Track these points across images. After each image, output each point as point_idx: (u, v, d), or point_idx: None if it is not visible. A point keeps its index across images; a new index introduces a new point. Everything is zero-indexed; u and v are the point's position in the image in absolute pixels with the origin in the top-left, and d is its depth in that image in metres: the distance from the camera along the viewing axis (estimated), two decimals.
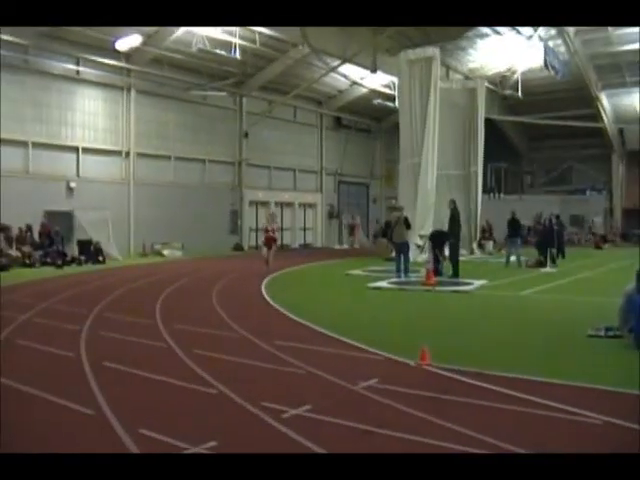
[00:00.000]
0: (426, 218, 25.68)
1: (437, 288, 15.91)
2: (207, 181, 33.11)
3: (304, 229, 40.12)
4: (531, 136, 49.24)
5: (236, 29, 27.17)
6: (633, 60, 35.24)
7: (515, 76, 37.70)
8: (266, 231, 22.85)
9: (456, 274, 18.44)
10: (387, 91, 36.70)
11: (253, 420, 5.57)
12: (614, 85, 40.30)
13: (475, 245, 29.85)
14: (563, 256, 25.98)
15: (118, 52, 27.74)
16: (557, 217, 30.23)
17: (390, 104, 36.28)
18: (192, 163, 32.46)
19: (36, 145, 25.91)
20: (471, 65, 36.73)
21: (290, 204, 38.71)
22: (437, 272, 18.40)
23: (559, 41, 34.85)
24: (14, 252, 22.65)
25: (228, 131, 34.27)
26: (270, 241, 22.10)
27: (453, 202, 20.67)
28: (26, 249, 23.27)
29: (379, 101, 37.71)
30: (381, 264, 23.45)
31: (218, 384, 6.67)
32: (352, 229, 36.48)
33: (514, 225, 23.54)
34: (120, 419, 5.51)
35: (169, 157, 31.27)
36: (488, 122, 32.64)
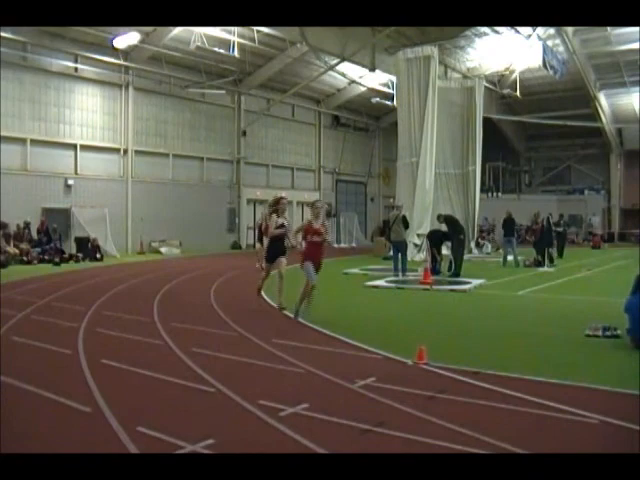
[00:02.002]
0: (424, 217, 25.70)
1: (435, 287, 15.91)
2: (205, 179, 33.12)
3: None
4: (529, 135, 49.33)
5: (234, 27, 27.14)
6: (632, 60, 35.31)
7: (513, 75, 37.76)
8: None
9: (458, 273, 18.43)
10: (385, 90, 36.70)
11: (250, 418, 5.56)
12: (613, 85, 40.37)
13: (473, 244, 29.87)
14: (561, 256, 26.06)
15: (116, 50, 27.72)
16: (560, 216, 30.41)
17: (388, 103, 36.32)
18: (190, 161, 32.47)
19: (34, 142, 25.92)
20: (469, 64, 36.77)
21: (288, 203, 38.62)
22: (435, 271, 18.43)
23: (558, 40, 34.92)
24: (12, 249, 22.61)
25: (226, 129, 34.27)
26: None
27: (440, 216, 20.70)
28: (24, 246, 23.25)
29: (377, 100, 37.73)
30: (379, 263, 23.46)
31: (216, 382, 6.66)
32: (262, 233, 19.84)
33: (510, 225, 23.57)
34: (117, 417, 5.51)
35: (167, 155, 31.28)
36: (486, 121, 32.69)
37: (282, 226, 11.93)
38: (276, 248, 12.00)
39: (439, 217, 20.59)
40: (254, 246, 25.51)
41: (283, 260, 11.89)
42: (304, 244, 10.89)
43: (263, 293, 12.86)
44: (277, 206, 12.15)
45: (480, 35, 32.97)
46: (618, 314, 9.13)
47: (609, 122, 43.12)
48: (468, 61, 36.58)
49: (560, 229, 28.43)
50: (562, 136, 45.92)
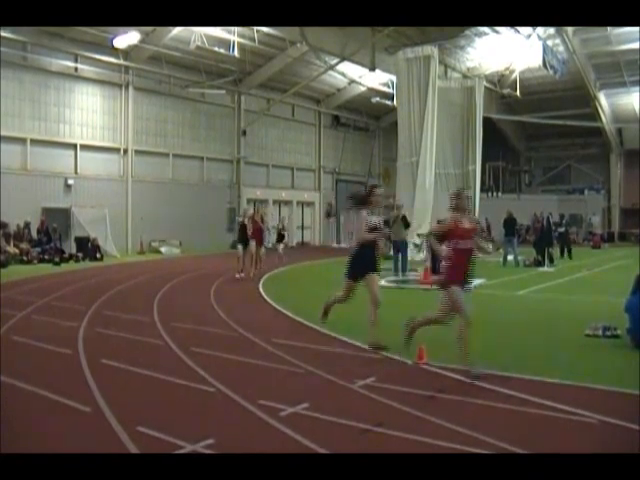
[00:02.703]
0: (424, 217, 25.68)
1: (435, 287, 15.88)
2: (205, 179, 33.11)
3: (302, 227, 40.11)
4: (529, 135, 49.29)
5: (234, 27, 27.13)
6: (632, 59, 35.29)
7: (513, 75, 37.74)
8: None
9: None
10: (385, 89, 36.69)
11: (250, 418, 5.56)
12: (613, 84, 40.34)
13: None
14: (570, 256, 26.27)
15: (116, 49, 27.70)
16: (562, 216, 30.42)
17: (388, 102, 36.29)
18: (190, 160, 32.46)
19: (34, 142, 25.91)
20: (469, 64, 36.74)
21: (288, 202, 38.72)
22: (435, 271, 18.40)
23: (558, 40, 34.87)
24: (12, 249, 22.61)
25: (226, 129, 34.27)
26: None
27: (440, 222, 20.65)
28: (24, 246, 23.25)
29: (377, 99, 37.70)
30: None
31: (216, 382, 6.66)
32: (245, 230, 18.52)
33: (510, 224, 23.57)
34: (118, 416, 5.51)
35: (167, 154, 31.26)
36: (486, 121, 32.65)
37: (376, 229, 8.51)
38: (366, 260, 8.47)
39: (439, 223, 20.60)
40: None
41: (376, 278, 8.64)
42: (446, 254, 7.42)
43: (262, 291, 12.78)
44: (370, 198, 8.55)
45: (480, 35, 32.94)
46: (618, 314, 9.13)
47: (609, 122, 43.09)
48: (468, 61, 36.55)
49: (562, 229, 28.41)
50: (562, 136, 45.90)
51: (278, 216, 35.48)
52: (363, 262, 8.42)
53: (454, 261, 7.26)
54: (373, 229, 8.43)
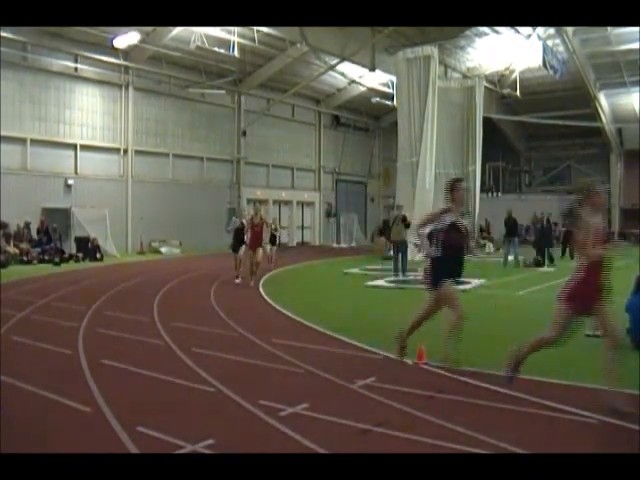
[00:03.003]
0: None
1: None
2: (205, 179, 33.10)
3: (302, 227, 40.12)
4: (529, 135, 49.26)
5: (234, 27, 27.14)
6: (632, 59, 35.26)
7: (513, 75, 37.73)
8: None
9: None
10: (385, 89, 36.69)
11: (250, 418, 5.56)
12: (613, 84, 40.30)
13: (473, 244, 29.83)
14: (572, 256, 26.17)
15: (116, 49, 27.71)
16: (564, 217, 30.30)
17: (388, 103, 36.29)
18: (190, 161, 32.46)
19: (34, 142, 25.92)
20: (469, 64, 36.72)
21: (288, 202, 38.71)
22: None
23: (558, 40, 34.85)
24: (12, 249, 22.61)
25: (226, 129, 34.27)
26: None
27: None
28: (24, 246, 23.25)
29: (377, 99, 37.71)
30: (379, 263, 23.45)
31: (216, 382, 6.66)
32: (240, 233, 17.37)
33: (511, 225, 23.56)
34: (118, 417, 5.51)
35: (167, 155, 31.27)
36: (486, 121, 32.65)
37: (456, 229, 7.21)
38: (449, 265, 7.35)
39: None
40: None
41: (455, 290, 7.55)
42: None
43: (262, 291, 12.67)
44: (451, 194, 7.28)
45: (480, 35, 32.93)
46: (618, 314, 9.11)
47: (609, 122, 43.05)
48: (468, 61, 36.52)
49: (564, 229, 28.34)
50: (562, 136, 45.88)
51: (279, 216, 35.50)
52: (446, 268, 7.30)
53: (583, 277, 5.88)
54: (453, 229, 7.12)
